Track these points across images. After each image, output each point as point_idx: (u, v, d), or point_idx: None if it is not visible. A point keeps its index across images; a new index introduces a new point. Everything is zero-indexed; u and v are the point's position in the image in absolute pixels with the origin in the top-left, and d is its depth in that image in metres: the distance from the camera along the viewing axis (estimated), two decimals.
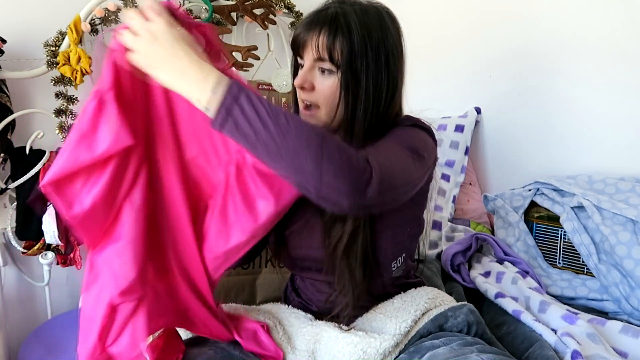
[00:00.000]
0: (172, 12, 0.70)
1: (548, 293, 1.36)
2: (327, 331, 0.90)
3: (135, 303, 0.76)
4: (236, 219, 0.79)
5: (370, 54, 0.84)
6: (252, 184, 0.78)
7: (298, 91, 0.89)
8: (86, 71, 1.32)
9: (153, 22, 0.67)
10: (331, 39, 0.82)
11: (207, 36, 0.75)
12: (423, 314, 0.93)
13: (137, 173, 0.76)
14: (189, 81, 0.66)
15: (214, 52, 0.77)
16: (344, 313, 0.87)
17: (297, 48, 0.88)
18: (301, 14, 1.83)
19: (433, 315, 0.92)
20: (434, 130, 0.94)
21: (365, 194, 0.66)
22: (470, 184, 1.82)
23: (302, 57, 0.88)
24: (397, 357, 0.89)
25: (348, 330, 0.90)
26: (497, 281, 1.32)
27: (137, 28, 0.67)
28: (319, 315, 0.98)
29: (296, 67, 0.92)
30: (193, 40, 0.70)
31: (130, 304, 0.75)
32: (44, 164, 1.29)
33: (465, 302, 0.97)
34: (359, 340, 0.87)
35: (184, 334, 0.97)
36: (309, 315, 0.97)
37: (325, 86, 0.85)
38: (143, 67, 0.68)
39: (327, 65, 0.84)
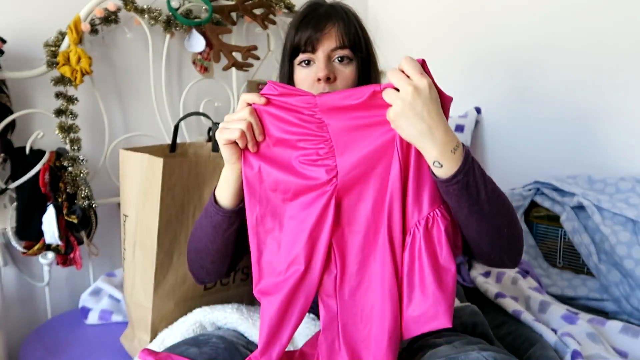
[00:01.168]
0: (425, 69, 0.72)
1: (548, 293, 1.36)
2: None
3: None
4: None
5: (369, 40, 0.94)
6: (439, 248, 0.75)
7: (316, 85, 0.87)
8: (86, 71, 1.32)
9: (420, 80, 0.69)
10: (349, 26, 0.89)
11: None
12: None
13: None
14: (434, 140, 0.69)
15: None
16: None
17: (308, 45, 0.89)
18: None
19: None
20: None
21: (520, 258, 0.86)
22: None
23: (314, 52, 0.88)
24: (399, 354, 0.90)
25: None
26: (497, 281, 1.32)
27: (403, 83, 0.70)
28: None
29: (290, 69, 0.92)
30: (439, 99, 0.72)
31: None
32: (44, 164, 1.29)
33: (469, 303, 0.97)
34: None
35: (184, 334, 0.97)
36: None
37: (347, 74, 0.89)
38: (393, 119, 0.71)
39: (346, 52, 0.88)
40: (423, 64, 0.72)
